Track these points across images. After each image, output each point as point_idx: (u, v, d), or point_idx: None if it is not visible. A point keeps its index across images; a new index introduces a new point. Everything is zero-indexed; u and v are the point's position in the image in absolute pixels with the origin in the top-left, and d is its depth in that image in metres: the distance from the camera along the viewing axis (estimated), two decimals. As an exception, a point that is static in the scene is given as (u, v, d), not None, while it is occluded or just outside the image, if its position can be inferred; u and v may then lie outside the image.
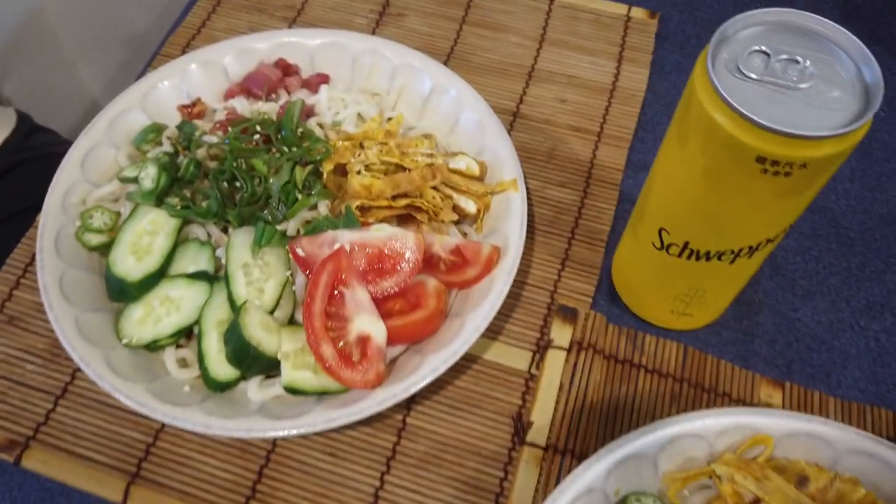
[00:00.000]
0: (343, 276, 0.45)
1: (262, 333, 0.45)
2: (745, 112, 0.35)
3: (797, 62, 0.37)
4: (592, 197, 0.59)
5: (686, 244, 0.44)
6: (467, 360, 0.51)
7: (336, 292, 0.44)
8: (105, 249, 0.49)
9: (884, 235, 0.58)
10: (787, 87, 0.36)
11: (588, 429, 0.48)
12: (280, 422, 0.42)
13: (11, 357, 0.50)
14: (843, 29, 0.37)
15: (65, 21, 1.09)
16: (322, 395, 0.45)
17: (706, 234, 0.42)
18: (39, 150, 0.82)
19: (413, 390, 0.43)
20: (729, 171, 0.37)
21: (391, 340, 0.46)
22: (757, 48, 0.37)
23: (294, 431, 0.42)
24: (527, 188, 0.59)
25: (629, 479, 0.42)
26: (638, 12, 0.71)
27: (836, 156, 0.35)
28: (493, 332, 0.52)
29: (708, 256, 0.43)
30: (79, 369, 0.49)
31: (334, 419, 0.42)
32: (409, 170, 0.49)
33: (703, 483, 0.43)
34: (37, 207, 0.51)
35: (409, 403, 0.49)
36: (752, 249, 0.42)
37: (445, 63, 0.66)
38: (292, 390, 0.44)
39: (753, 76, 0.36)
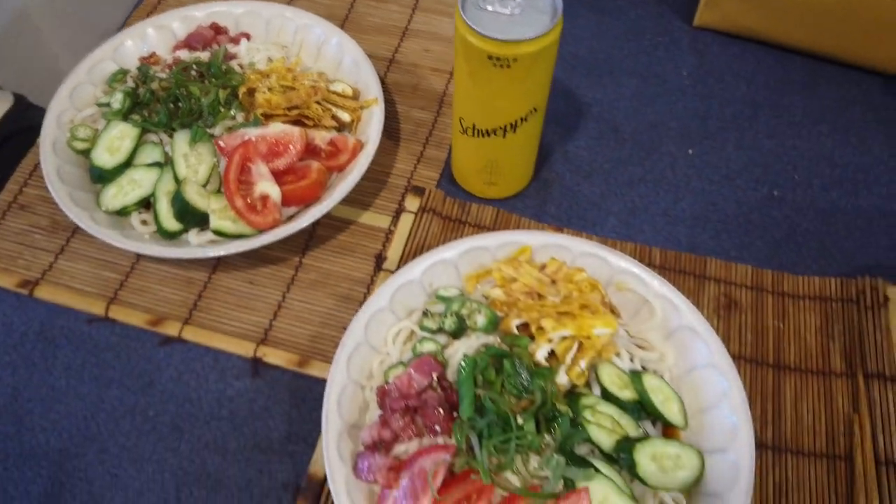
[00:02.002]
0: (249, 157, 0.67)
1: (197, 198, 0.67)
2: (477, 29, 0.57)
3: (516, -1, 0.60)
4: (443, 116, 0.82)
5: (474, 125, 0.66)
6: (345, 223, 0.73)
7: (245, 166, 0.67)
8: (87, 153, 0.71)
9: (650, 136, 0.81)
10: (508, 14, 0.59)
11: (424, 260, 0.71)
12: (208, 248, 0.64)
13: (25, 230, 0.72)
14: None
15: (48, 19, 1.28)
16: (239, 237, 0.67)
17: (481, 116, 0.65)
18: (32, 122, 1.02)
19: (296, 229, 0.66)
20: (478, 68, 0.60)
21: (287, 201, 0.68)
22: (493, -9, 0.60)
23: (221, 252, 0.64)
24: (395, 110, 0.82)
25: (438, 276, 0.64)
26: (488, -14, 0.93)
27: (534, 53, 0.58)
28: (364, 204, 0.75)
29: (488, 133, 0.66)
30: (71, 235, 0.71)
31: (246, 245, 0.64)
32: (298, 89, 0.72)
33: (489, 280, 0.65)
34: None
35: (304, 250, 0.71)
36: (514, 126, 0.65)
37: (342, 25, 0.89)
38: (219, 233, 0.66)
39: (489, 8, 0.59)
